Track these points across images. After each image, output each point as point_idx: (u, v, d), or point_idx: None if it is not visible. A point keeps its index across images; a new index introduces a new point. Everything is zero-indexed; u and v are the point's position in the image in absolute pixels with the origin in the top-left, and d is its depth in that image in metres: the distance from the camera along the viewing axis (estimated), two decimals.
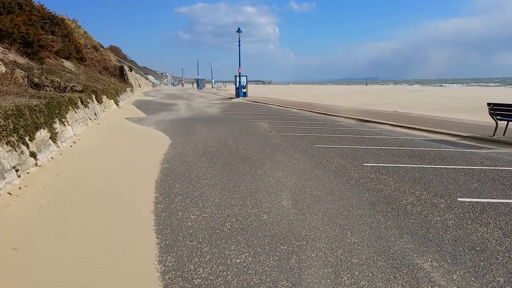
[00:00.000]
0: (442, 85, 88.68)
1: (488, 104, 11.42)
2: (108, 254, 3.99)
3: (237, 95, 38.71)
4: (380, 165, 7.87)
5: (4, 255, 3.86)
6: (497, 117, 11.22)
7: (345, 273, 3.58)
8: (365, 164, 7.90)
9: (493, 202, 5.54)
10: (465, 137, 11.43)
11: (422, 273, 3.58)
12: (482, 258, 3.87)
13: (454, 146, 10.25)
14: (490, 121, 12.07)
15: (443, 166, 7.77)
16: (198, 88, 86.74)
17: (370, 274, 3.56)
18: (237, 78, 39.07)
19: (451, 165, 7.86)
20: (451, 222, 4.81)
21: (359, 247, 4.10)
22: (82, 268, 3.67)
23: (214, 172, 7.36)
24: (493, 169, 7.55)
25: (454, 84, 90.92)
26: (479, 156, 8.80)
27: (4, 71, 11.51)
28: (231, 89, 56.77)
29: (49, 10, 23.09)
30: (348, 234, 4.44)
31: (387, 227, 4.64)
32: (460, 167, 7.71)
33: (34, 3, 21.20)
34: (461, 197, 5.76)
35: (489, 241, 4.25)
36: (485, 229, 4.60)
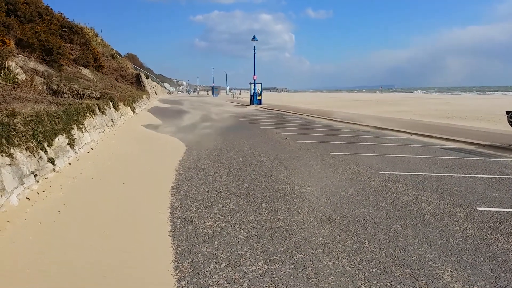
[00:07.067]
0: (459, 93, 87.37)
1: (507, 112, 11.23)
2: (124, 259, 4.00)
3: (252, 103, 38.82)
4: (397, 173, 7.77)
5: (23, 259, 3.90)
6: None
7: (363, 282, 3.53)
8: (382, 172, 7.82)
9: None
10: (484, 146, 11.21)
11: (442, 283, 3.51)
12: (503, 269, 3.77)
13: (472, 154, 10.08)
14: (509, 129, 11.84)
15: (462, 175, 7.63)
16: (213, 96, 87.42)
17: (389, 284, 3.50)
18: (252, 85, 39.22)
19: (470, 174, 7.72)
20: (470, 231, 4.71)
21: (376, 256, 4.04)
22: (98, 273, 3.69)
23: (229, 179, 7.36)
24: None
25: (474, 92, 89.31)
26: (499, 165, 8.63)
27: (24, 79, 11.75)
28: (245, 96, 57.01)
29: (68, 18, 23.56)
30: (366, 243, 4.38)
31: (405, 236, 4.57)
32: (479, 175, 7.57)
33: (53, 12, 21.67)
34: (480, 206, 5.65)
35: (511, 252, 4.15)
36: (506, 239, 4.49)
